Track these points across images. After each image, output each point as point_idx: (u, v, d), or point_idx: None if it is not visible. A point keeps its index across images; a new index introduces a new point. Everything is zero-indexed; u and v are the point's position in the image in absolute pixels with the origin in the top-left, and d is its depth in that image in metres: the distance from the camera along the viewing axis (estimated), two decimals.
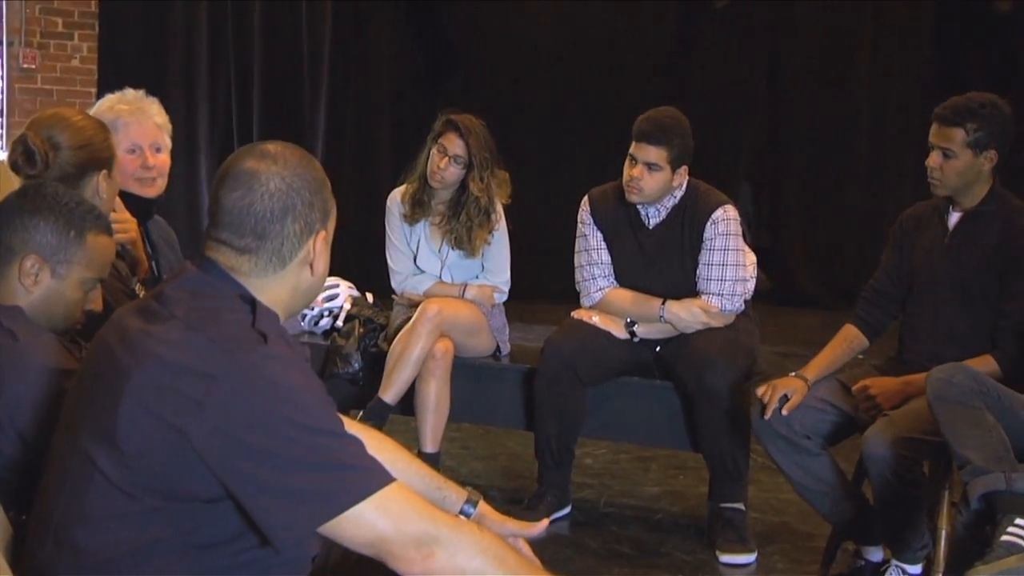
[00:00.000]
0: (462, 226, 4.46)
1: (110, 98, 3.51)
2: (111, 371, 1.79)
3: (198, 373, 1.72)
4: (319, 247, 1.91)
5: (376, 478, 1.75)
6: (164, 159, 3.50)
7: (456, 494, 2.17)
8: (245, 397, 1.72)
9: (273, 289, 1.89)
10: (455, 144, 4.42)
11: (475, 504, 2.17)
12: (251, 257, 1.87)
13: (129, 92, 3.54)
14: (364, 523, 1.73)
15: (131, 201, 3.34)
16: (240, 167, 1.87)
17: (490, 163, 4.45)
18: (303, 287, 1.93)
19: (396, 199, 4.62)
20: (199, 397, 1.71)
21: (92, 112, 3.39)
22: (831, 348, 3.71)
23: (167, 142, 3.53)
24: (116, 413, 1.75)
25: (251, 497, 1.73)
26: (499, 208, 4.53)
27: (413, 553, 1.74)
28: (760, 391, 3.56)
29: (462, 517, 2.11)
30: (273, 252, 1.87)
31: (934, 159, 3.53)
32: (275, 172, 1.86)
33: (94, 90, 8.36)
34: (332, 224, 1.95)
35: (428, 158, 4.48)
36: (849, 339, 3.73)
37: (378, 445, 2.07)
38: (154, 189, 3.47)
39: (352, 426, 2.00)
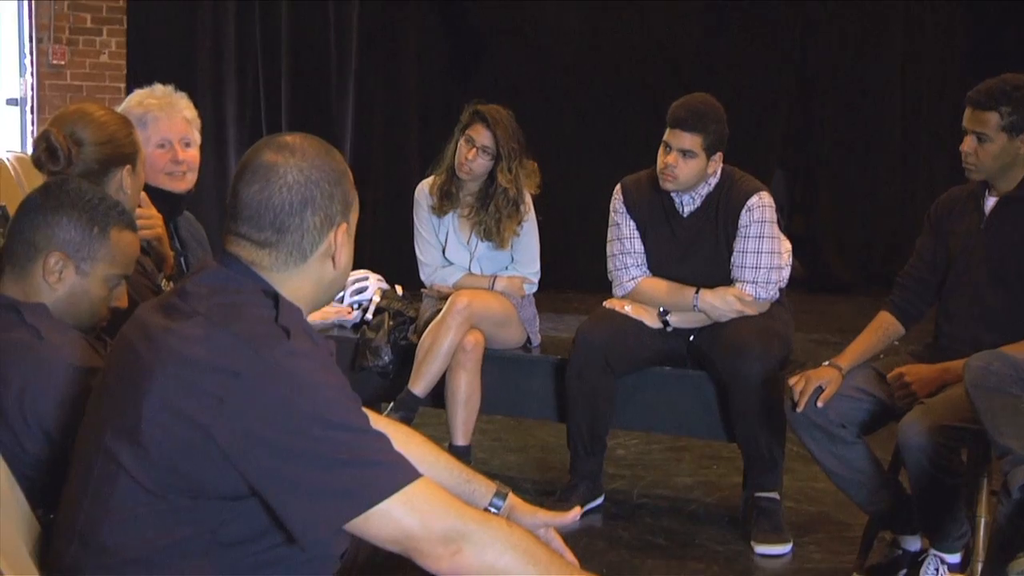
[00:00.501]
0: (491, 217, 4.44)
1: (139, 93, 3.52)
2: (134, 368, 1.78)
3: (221, 369, 1.70)
4: (341, 239, 1.89)
5: (402, 474, 1.73)
6: (194, 154, 3.50)
7: (485, 488, 2.14)
8: (268, 393, 1.70)
9: (295, 283, 1.87)
10: (483, 135, 4.40)
11: (504, 497, 2.13)
12: (271, 251, 1.84)
13: (158, 87, 3.54)
14: (391, 520, 1.71)
15: (159, 197, 3.33)
16: (258, 160, 1.85)
17: (518, 153, 4.43)
18: (326, 280, 1.90)
19: (424, 191, 4.60)
20: (222, 394, 1.69)
21: (121, 107, 3.40)
22: (866, 336, 3.66)
23: (196, 137, 3.53)
24: (139, 411, 1.73)
25: (275, 495, 1.71)
26: (528, 199, 4.51)
27: (441, 550, 1.72)
28: (793, 382, 3.51)
29: (491, 511, 2.08)
30: (293, 245, 1.85)
31: (968, 143, 3.47)
32: (293, 164, 1.84)
33: (123, 85, 8.40)
34: (354, 216, 1.93)
35: (456, 149, 4.46)
36: (884, 326, 3.67)
37: (405, 440, 2.05)
38: (184, 184, 3.48)
39: (378, 421, 1.98)
